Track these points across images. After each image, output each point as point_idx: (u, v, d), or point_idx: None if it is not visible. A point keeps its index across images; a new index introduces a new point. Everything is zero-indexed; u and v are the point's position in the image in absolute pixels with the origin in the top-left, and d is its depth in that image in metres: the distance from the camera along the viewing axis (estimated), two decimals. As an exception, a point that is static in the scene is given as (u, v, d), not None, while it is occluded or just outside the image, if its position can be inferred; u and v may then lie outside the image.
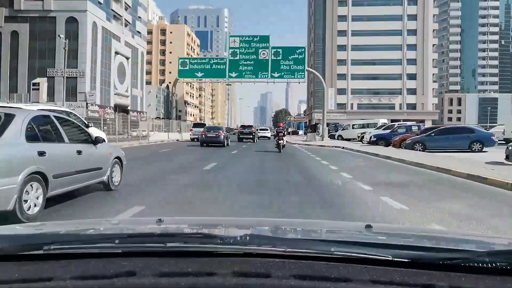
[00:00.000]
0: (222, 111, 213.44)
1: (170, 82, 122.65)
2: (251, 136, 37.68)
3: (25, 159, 4.65)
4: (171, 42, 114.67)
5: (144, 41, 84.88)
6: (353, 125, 43.22)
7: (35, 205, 4.75)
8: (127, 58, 73.01)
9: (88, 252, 1.01)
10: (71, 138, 5.84)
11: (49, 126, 5.56)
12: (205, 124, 38.97)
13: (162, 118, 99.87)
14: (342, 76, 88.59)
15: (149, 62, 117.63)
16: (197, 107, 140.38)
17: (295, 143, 36.32)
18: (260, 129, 55.92)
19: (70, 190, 5.83)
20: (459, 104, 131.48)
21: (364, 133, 32.78)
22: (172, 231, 1.44)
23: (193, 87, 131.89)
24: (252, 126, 43.23)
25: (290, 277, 0.87)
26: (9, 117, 4.76)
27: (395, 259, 0.94)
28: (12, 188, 4.31)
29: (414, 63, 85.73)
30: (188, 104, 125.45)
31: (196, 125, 38.73)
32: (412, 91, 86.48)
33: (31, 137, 4.94)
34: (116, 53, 67.94)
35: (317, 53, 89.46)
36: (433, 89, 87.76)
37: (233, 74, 38.18)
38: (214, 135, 25.91)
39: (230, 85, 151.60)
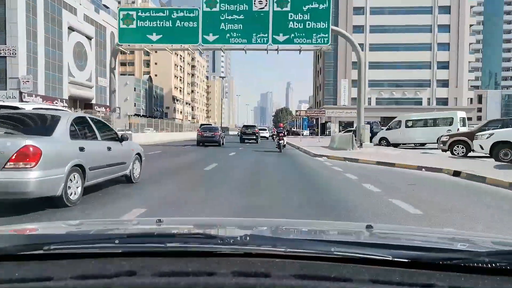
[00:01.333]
0: (219, 109, 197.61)
1: (156, 75, 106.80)
2: (254, 137, 34.93)
3: (70, 154, 5.57)
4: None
5: (116, 20, 68.79)
6: (406, 121, 26.84)
7: (75, 193, 5.61)
8: (89, 38, 56.92)
9: (88, 252, 1.01)
10: (102, 136, 6.83)
11: (85, 126, 6.48)
12: (210, 125, 39.02)
13: (143, 116, 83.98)
14: (356, 65, 72.44)
15: (131, 52, 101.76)
16: (189, 104, 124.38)
17: (307, 151, 21.40)
18: (259, 129, 49.50)
19: (101, 181, 6.68)
20: (480, 101, 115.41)
21: (469, 136, 14.64)
22: (172, 231, 1.44)
23: (183, 80, 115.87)
24: (255, 126, 39.22)
25: (290, 277, 0.88)
26: (56, 119, 5.79)
27: (395, 259, 0.94)
28: (61, 177, 5.23)
29: (446, 48, 69.68)
30: (177, 100, 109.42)
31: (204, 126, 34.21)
32: (444, 83, 70.39)
33: (73, 135, 5.85)
34: (71, 29, 51.89)
35: (327, 36, 73.52)
36: (468, 80, 71.52)
37: (211, 37, 22.25)
38: (210, 135, 26.75)
39: (225, 78, 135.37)
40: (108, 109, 62.85)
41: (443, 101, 70.57)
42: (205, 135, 26.79)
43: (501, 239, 1.71)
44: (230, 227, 1.69)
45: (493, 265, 0.91)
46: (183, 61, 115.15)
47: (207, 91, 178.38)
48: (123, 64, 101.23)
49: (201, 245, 1.04)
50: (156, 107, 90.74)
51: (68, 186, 5.41)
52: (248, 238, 1.03)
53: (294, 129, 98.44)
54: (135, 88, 79.07)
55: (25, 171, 4.82)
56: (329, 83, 73.19)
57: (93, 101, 58.24)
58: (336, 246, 1.01)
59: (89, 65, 57.25)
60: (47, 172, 5.02)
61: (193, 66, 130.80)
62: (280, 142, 20.77)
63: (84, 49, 55.67)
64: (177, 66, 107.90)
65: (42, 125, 5.76)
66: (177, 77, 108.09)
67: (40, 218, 4.84)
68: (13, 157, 4.78)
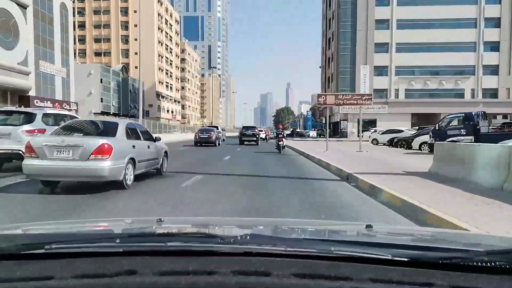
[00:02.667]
0: (216, 109, 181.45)
1: (136, 67, 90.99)
2: (255, 138, 32.22)
3: (127, 150, 7.61)
4: (135, 11, 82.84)
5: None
6: None
7: (130, 179, 7.60)
8: (23, 6, 41.13)
9: (89, 251, 1.00)
10: (144, 137, 8.89)
11: (133, 129, 8.53)
12: (217, 127, 37.56)
13: (114, 114, 68.07)
14: (382, 47, 56.61)
15: (107, 39, 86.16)
16: (178, 102, 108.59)
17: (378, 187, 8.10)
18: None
19: (143, 172, 8.64)
20: None
21: None
22: (173, 231, 1.46)
23: (170, 75, 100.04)
24: (255, 127, 35.68)
25: (290, 276, 0.87)
26: (116, 124, 7.95)
27: (395, 259, 0.94)
28: (123, 166, 7.23)
29: (496, 23, 53.96)
30: (163, 97, 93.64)
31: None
32: (492, 70, 54.58)
33: (128, 136, 7.95)
34: (-14, -12, 36.27)
35: (343, 10, 57.45)
36: (523, 65, 55.64)
37: None
38: (206, 136, 28.15)
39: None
40: (57, 104, 47.19)
41: (492, 93, 54.73)
42: (201, 136, 28.21)
43: (501, 238, 1.78)
44: (230, 226, 1.69)
45: (493, 264, 0.91)
46: (171, 52, 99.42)
47: (201, 89, 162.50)
48: (97, 54, 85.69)
49: (202, 244, 1.03)
50: (133, 104, 74.95)
51: (126, 173, 7.40)
52: (248, 237, 1.03)
53: (298, 130, 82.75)
54: (101, 79, 63.29)
55: (102, 161, 6.86)
56: (345, 71, 57.34)
57: (32, 93, 42.37)
58: (336, 245, 1.01)
59: (23, 44, 41.34)
60: (115, 162, 7.04)
61: (183, 60, 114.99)
62: (279, 143, 21.13)
63: (13, 21, 39.81)
64: (162, 58, 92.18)
65: (107, 129, 7.85)
66: (162, 70, 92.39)
67: (109, 195, 6.85)
68: (94, 151, 6.82)
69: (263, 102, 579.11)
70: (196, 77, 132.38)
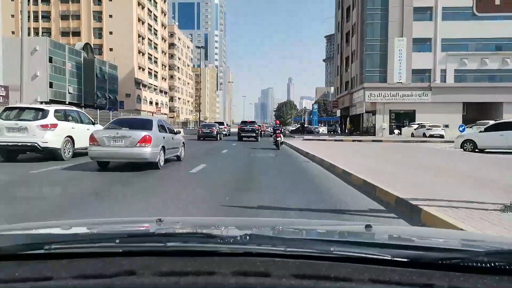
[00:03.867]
0: (213, 103, 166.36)
1: (111, 49, 75.79)
2: (254, 134, 29.86)
3: (160, 139, 10.18)
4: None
5: None
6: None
7: (161, 162, 10.28)
8: None
9: (88, 251, 1.00)
10: (169, 131, 11.57)
11: (162, 124, 11.28)
12: (222, 123, 41.63)
13: (74, 104, 52.99)
14: (423, 12, 41.56)
15: (76, 16, 71.07)
16: (165, 92, 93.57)
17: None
18: (219, 123, 38.14)
19: (169, 157, 11.25)
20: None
21: None
22: (172, 231, 1.43)
23: (155, 61, 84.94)
24: (254, 122, 32.48)
25: (290, 277, 0.87)
26: (151, 121, 10.68)
27: (395, 259, 0.93)
28: (158, 151, 9.89)
29: None
30: (144, 86, 78.61)
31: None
32: None
33: (160, 130, 10.54)
34: None
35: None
36: None
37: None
38: (208, 131, 30.33)
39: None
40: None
41: None
42: (204, 131, 30.48)
43: (501, 238, 1.74)
44: (230, 226, 1.67)
45: (493, 264, 0.90)
46: (155, 34, 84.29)
47: (196, 80, 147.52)
48: (65, 33, 70.58)
49: (201, 245, 1.03)
50: (102, 93, 59.96)
51: (159, 157, 10.08)
52: (248, 237, 1.02)
53: (307, 126, 67.73)
54: (51, 58, 48.20)
55: (145, 148, 9.52)
56: (373, 46, 42.24)
57: None
58: (335, 245, 1.00)
59: None
60: (153, 149, 9.69)
61: (171, 45, 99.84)
62: (277, 139, 20.64)
63: None
64: (144, 39, 77.10)
65: (146, 124, 10.45)
66: (143, 54, 77.34)
67: (148, 172, 9.30)
68: (140, 140, 9.50)
69: (264, 97, 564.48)
70: (188, 65, 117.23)
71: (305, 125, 58.14)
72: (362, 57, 43.69)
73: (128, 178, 8.62)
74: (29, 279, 0.88)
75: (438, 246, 1.19)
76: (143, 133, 9.66)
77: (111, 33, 71.12)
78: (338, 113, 59.01)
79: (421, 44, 41.34)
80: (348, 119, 58.61)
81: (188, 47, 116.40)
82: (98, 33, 71.63)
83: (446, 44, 40.81)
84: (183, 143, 13.03)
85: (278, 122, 25.38)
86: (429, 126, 34.08)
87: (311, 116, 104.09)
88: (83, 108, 49.32)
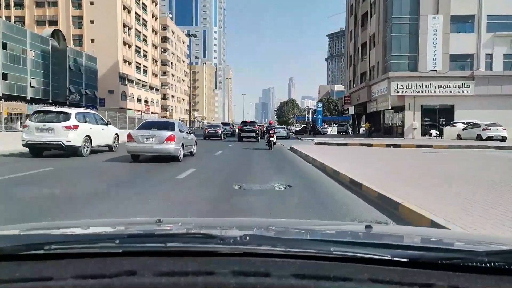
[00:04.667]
0: (211, 102, 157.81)
1: (93, 40, 67.23)
2: (254, 135, 29.00)
3: (180, 138, 12.54)
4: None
5: None
6: None
7: (181, 156, 12.64)
8: None
9: (88, 252, 1.00)
10: (186, 131, 13.97)
11: (182, 125, 13.95)
12: (229, 124, 46.60)
13: (40, 101, 44.41)
14: (465, -18, 32.99)
15: (53, 3, 62.66)
16: (157, 90, 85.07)
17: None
18: (223, 124, 42.24)
19: (185, 153, 13.43)
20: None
21: None
22: (172, 231, 1.46)
23: (144, 55, 76.48)
24: (255, 122, 31.73)
25: (290, 277, 0.87)
26: (173, 123, 13.21)
27: (395, 259, 0.93)
28: (179, 148, 12.37)
29: None
30: (131, 81, 70.13)
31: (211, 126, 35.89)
32: None
33: (180, 130, 12.92)
34: None
35: None
36: None
37: None
38: (214, 131, 32.26)
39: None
40: None
41: None
42: (210, 131, 32.36)
43: (501, 238, 1.74)
44: (230, 227, 1.66)
45: (492, 264, 0.90)
46: (144, 25, 75.86)
47: (193, 78, 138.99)
48: (40, 22, 62.10)
49: (201, 245, 1.03)
50: (76, 87, 51.49)
51: (180, 152, 12.53)
52: (248, 238, 1.02)
53: (314, 125, 59.07)
54: (5, 44, 39.61)
55: (171, 144, 11.89)
56: (400, 26, 33.68)
57: None
58: (335, 245, 1.00)
59: None
60: (176, 145, 12.08)
61: (164, 38, 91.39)
62: (270, 139, 20.11)
63: None
64: (130, 30, 68.66)
65: (169, 125, 12.90)
66: (130, 47, 68.90)
67: (171, 164, 11.58)
68: (166, 139, 11.83)
69: (265, 97, 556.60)
70: (183, 61, 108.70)
71: (315, 125, 49.31)
72: (385, 40, 35.12)
73: (160, 166, 11.09)
74: (29, 279, 0.88)
75: (438, 246, 1.18)
76: (169, 133, 12.23)
77: (92, 22, 62.77)
78: (351, 110, 50.43)
79: (462, 23, 32.76)
80: (362, 117, 50.02)
81: (183, 42, 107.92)
82: (78, 22, 63.27)
83: (493, 23, 32.23)
84: (195, 141, 15.52)
85: (271, 122, 24.97)
86: (486, 125, 25.50)
87: (315, 115, 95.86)
88: (48, 104, 41.32)
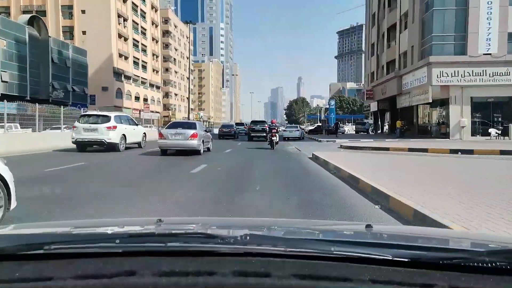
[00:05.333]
0: (218, 101, 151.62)
1: (84, 32, 61.29)
2: (264, 134, 28.06)
3: (201, 135, 15.36)
4: None
5: None
6: None
7: (202, 151, 15.41)
8: None
9: (89, 252, 0.99)
10: (204, 130, 16.73)
11: (202, 125, 17.94)
12: (243, 124, 49.78)
13: (14, 98, 38.17)
14: None
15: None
16: (158, 87, 78.91)
17: None
18: (237, 124, 48.14)
19: (204, 149, 15.80)
20: None
21: None
22: (172, 231, 1.43)
23: (143, 49, 70.39)
24: (265, 121, 32.25)
25: (290, 277, 0.87)
26: (195, 123, 16.11)
27: (395, 259, 0.92)
28: (201, 143, 15.19)
29: None
30: (127, 78, 64.05)
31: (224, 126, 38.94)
32: None
33: (202, 129, 16.47)
34: None
35: None
36: None
37: None
38: (228, 130, 34.70)
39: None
40: None
41: None
42: (224, 130, 34.61)
43: (501, 238, 1.72)
44: (230, 226, 1.66)
45: (493, 264, 0.89)
46: (143, 16, 69.72)
47: (199, 76, 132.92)
48: (27, 13, 55.93)
49: (202, 245, 1.02)
50: (60, 83, 45.35)
51: (201, 147, 15.09)
52: (248, 237, 1.02)
53: (330, 124, 52.31)
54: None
55: (194, 140, 14.60)
56: (443, 0, 26.83)
57: None
58: (336, 245, 1.00)
59: None
60: (198, 141, 14.77)
61: (166, 32, 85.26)
62: (272, 138, 19.95)
63: None
64: (126, 21, 62.53)
65: (192, 125, 15.40)
66: (126, 40, 62.78)
67: (194, 156, 14.22)
68: (190, 136, 14.59)
69: (274, 96, 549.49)
70: (187, 58, 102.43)
71: (338, 124, 42.26)
72: (423, 18, 28.30)
73: (184, 158, 13.70)
74: (29, 279, 0.88)
75: (439, 246, 1.17)
76: (192, 131, 14.87)
77: (83, 11, 56.72)
78: (373, 106, 43.66)
79: (524, -8, 25.84)
80: (387, 114, 43.12)
81: (187, 38, 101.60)
82: (68, 12, 57.30)
83: None
84: (211, 138, 18.17)
85: (274, 121, 24.64)
86: None
87: (326, 114, 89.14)
88: (26, 101, 35.27)
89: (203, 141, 15.54)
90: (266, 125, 29.30)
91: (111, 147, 16.23)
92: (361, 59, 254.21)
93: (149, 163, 12.75)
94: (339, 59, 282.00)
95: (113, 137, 16.22)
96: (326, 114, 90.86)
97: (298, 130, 33.83)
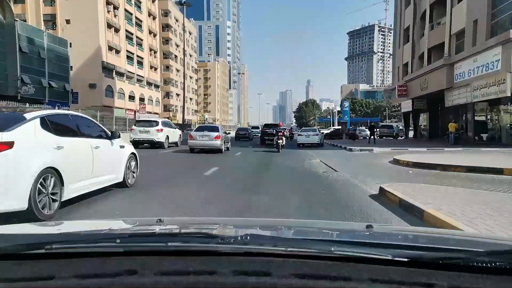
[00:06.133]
0: (224, 102, 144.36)
1: (68, 21, 54.19)
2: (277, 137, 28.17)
3: (223, 137, 18.59)
4: None
5: None
6: None
7: (224, 150, 18.65)
8: None
9: (89, 251, 0.99)
10: (224, 132, 19.50)
11: (222, 129, 20.18)
12: (258, 127, 47.04)
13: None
14: None
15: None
16: (157, 86, 71.61)
17: None
18: (253, 127, 49.46)
19: (224, 148, 18.95)
20: None
21: None
22: (173, 231, 1.45)
23: (139, 43, 63.29)
24: (277, 124, 32.20)
25: (290, 276, 0.87)
26: (217, 127, 19.60)
27: (395, 259, 0.92)
28: (223, 143, 18.39)
29: None
30: (120, 74, 56.85)
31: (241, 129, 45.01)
32: None
33: (221, 131, 18.84)
34: None
35: None
36: None
37: None
38: (243, 133, 38.61)
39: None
40: None
41: None
42: (241, 133, 38.62)
43: (501, 238, 1.73)
44: (230, 226, 1.66)
45: (493, 264, 0.89)
46: (138, 6, 62.54)
47: (205, 76, 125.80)
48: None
49: (202, 245, 1.02)
50: (35, 78, 38.17)
51: (223, 147, 18.36)
52: (248, 237, 1.01)
53: (353, 128, 44.12)
54: None
55: (218, 141, 17.56)
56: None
57: None
58: (336, 245, 0.99)
59: None
60: (221, 142, 17.79)
61: (166, 26, 78.02)
62: (278, 142, 19.98)
63: None
64: (117, 9, 55.30)
65: (216, 128, 18.95)
66: (117, 31, 55.57)
67: (217, 154, 17.07)
68: (215, 137, 17.55)
69: (282, 100, 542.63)
70: (190, 56, 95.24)
71: (374, 126, 33.95)
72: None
73: (210, 155, 16.34)
74: (29, 279, 0.88)
75: (439, 246, 1.17)
76: (216, 133, 17.77)
77: (70, 1, 49.62)
78: (405, 107, 35.78)
79: None
80: (423, 116, 35.20)
81: (190, 33, 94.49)
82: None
83: None
84: (229, 140, 20.72)
85: (281, 124, 27.04)
86: None
87: (339, 117, 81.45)
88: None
89: (224, 141, 18.68)
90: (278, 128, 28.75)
91: (158, 145, 20.63)
92: (372, 61, 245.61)
93: (190, 155, 16.89)
94: (349, 61, 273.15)
95: (161, 137, 20.77)
96: (339, 117, 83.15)
97: (317, 135, 26.15)
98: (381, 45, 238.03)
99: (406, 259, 0.91)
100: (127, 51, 58.31)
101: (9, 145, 4.35)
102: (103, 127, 6.92)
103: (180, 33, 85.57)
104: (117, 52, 55.44)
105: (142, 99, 63.31)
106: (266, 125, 31.13)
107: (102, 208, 5.59)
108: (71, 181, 5.17)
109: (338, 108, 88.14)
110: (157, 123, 21.21)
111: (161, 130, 20.81)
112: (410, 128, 40.11)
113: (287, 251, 0.95)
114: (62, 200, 5.00)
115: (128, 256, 0.95)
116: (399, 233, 1.54)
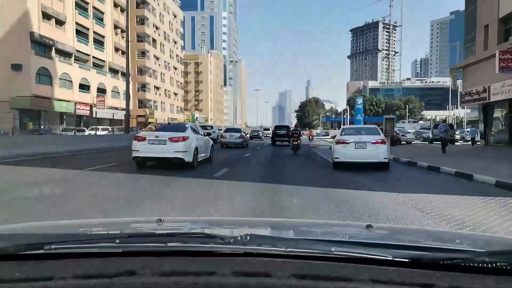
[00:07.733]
0: (218, 100, 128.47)
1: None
2: (287, 138, 30.64)
3: (244, 136, 26.44)
4: None
5: None
6: None
7: (246, 146, 26.39)
8: None
9: (89, 252, 0.99)
10: (244, 132, 27.56)
11: (242, 129, 28.95)
12: (269, 129, 60.57)
13: None
14: None
15: None
16: (126, 75, 55.68)
17: None
18: (265, 129, 56.71)
19: (244, 145, 26.12)
20: None
21: None
22: (173, 231, 1.43)
23: (99, 17, 47.41)
24: (288, 126, 34.80)
25: (291, 277, 0.86)
26: (240, 129, 27.49)
27: (395, 259, 0.92)
28: (244, 141, 26.03)
29: None
30: (66, 55, 41.03)
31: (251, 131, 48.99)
32: None
33: (243, 133, 26.84)
34: None
35: None
36: None
37: None
38: (256, 134, 44.65)
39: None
40: None
41: None
42: (253, 134, 43.91)
43: (501, 238, 1.73)
44: (230, 226, 1.65)
45: (493, 265, 0.89)
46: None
47: (196, 70, 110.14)
48: None
49: (202, 245, 1.01)
50: None
51: (245, 143, 26.24)
52: (248, 237, 1.00)
53: (400, 132, 28.48)
54: None
55: (241, 139, 25.31)
56: None
57: None
58: (336, 246, 0.99)
59: None
60: (243, 140, 25.59)
61: (142, 3, 62.28)
62: (294, 143, 19.96)
63: None
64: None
65: (239, 130, 26.88)
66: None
67: (241, 148, 24.33)
68: (239, 136, 25.48)
69: (282, 100, 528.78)
70: (175, 43, 79.48)
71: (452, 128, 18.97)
72: None
73: (235, 148, 23.12)
74: (29, 279, 0.87)
75: (439, 246, 1.16)
76: (240, 133, 25.02)
77: None
78: (495, 94, 20.28)
79: None
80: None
81: (175, 16, 78.79)
82: None
83: None
84: (247, 139, 27.87)
85: (296, 125, 26.91)
86: None
87: (351, 116, 67.04)
88: None
89: (245, 139, 25.63)
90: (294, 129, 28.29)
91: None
92: (377, 58, 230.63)
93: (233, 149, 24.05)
94: (352, 59, 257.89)
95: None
96: (350, 117, 68.86)
97: (381, 141, 10.76)
98: (386, 42, 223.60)
99: (406, 260, 0.90)
100: (77, 23, 42.63)
101: (188, 137, 11.44)
102: (201, 129, 14.52)
103: (161, 14, 69.78)
104: (60, 23, 39.81)
105: (102, 90, 47.57)
106: (277, 127, 33.56)
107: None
108: (200, 153, 12.24)
109: (340, 108, 74.00)
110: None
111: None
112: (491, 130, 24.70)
113: (287, 251, 0.94)
114: (198, 160, 11.94)
115: (128, 257, 0.94)
116: (399, 233, 1.52)
